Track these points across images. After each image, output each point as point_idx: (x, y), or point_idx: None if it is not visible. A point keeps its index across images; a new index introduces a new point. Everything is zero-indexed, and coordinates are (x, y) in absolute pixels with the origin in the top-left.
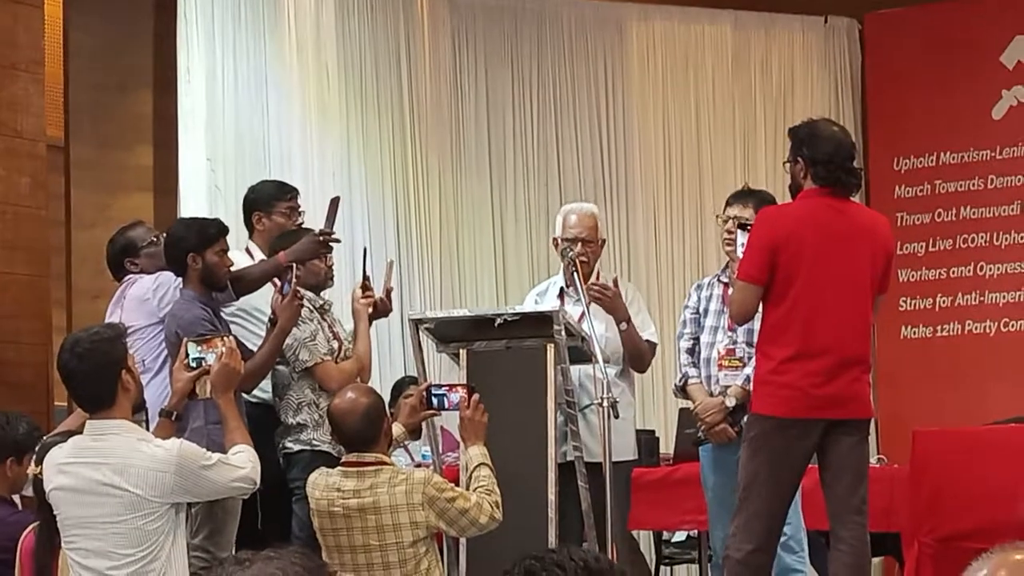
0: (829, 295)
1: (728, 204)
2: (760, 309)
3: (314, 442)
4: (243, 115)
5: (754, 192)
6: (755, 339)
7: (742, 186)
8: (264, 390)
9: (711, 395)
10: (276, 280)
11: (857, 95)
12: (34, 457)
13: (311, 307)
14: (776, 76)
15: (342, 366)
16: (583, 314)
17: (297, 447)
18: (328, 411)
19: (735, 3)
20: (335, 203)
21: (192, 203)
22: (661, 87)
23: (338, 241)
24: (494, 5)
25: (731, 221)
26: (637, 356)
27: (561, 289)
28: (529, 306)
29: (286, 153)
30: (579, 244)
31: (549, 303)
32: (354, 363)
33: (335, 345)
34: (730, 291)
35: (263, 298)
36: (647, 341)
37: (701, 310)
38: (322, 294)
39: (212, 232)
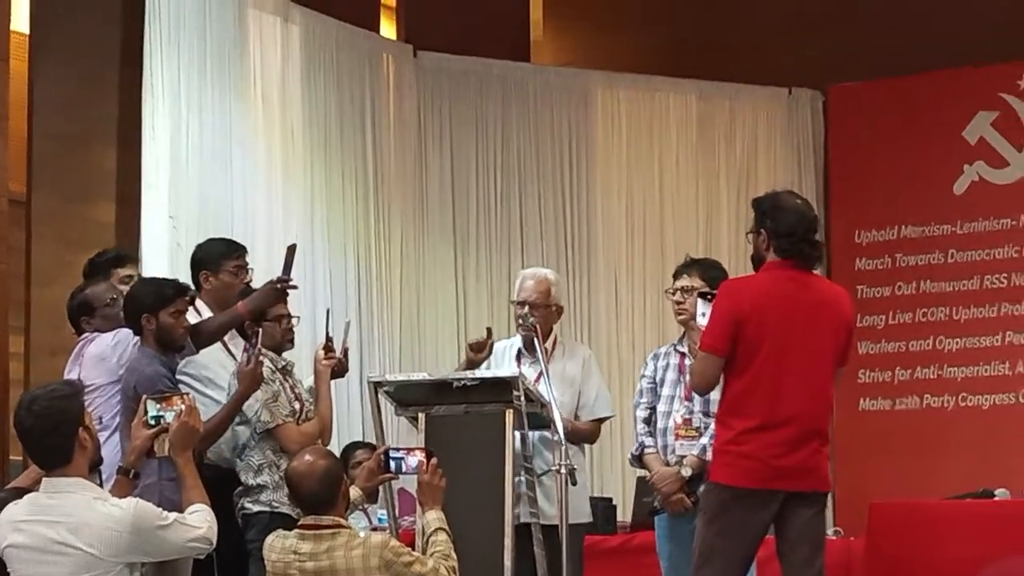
0: (792, 367)
1: (675, 276)
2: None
3: (273, 503)
4: (207, 173)
5: (696, 262)
6: (711, 409)
7: (685, 258)
8: (212, 451)
9: (667, 465)
10: (232, 339)
11: (820, 167)
12: None
13: (273, 368)
14: (739, 146)
15: (303, 428)
16: (539, 376)
17: (256, 508)
18: (286, 473)
19: (700, 73)
20: (292, 250)
21: (154, 261)
22: (625, 154)
23: (295, 287)
24: (460, 69)
25: (678, 293)
26: (583, 440)
27: (519, 352)
28: (488, 367)
29: (250, 212)
30: (526, 307)
31: (507, 365)
32: (315, 424)
33: (297, 406)
34: (687, 361)
35: (213, 361)
36: (596, 419)
37: (657, 380)
38: (284, 355)
39: (168, 293)
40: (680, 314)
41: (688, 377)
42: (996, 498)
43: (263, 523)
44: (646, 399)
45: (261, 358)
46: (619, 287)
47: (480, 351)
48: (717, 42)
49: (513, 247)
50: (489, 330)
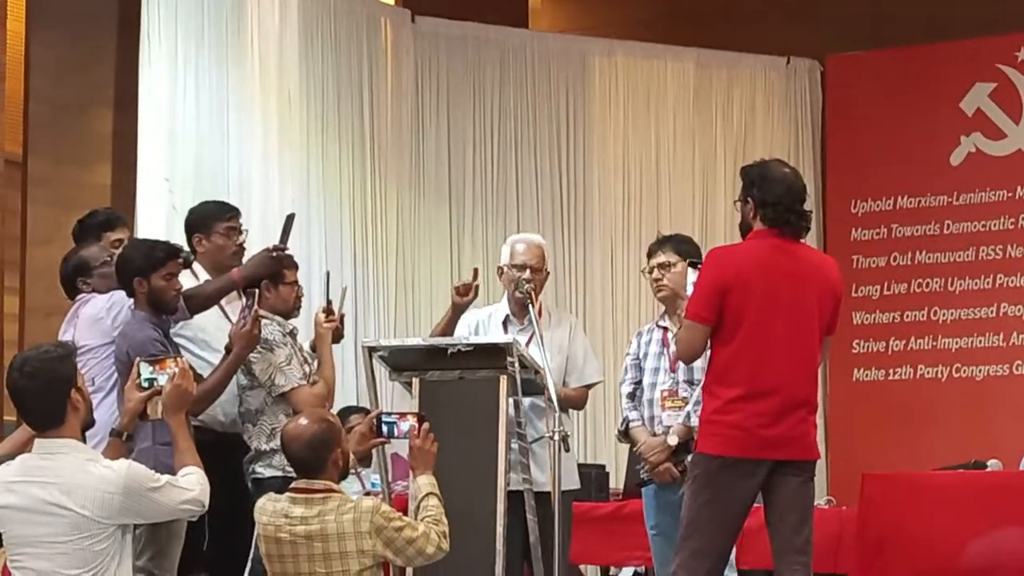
0: (777, 336)
1: (651, 255)
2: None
3: (286, 468)
4: (203, 137)
5: (669, 238)
6: (695, 377)
7: (657, 236)
8: (207, 415)
9: (655, 435)
10: (229, 302)
11: (817, 136)
12: None
13: (283, 331)
14: (737, 115)
15: (315, 390)
16: (530, 339)
17: (269, 473)
18: (280, 434)
19: (698, 41)
20: (290, 219)
21: (149, 224)
22: (622, 122)
23: (289, 256)
24: (458, 35)
25: (656, 270)
26: (573, 406)
27: (506, 317)
28: (474, 333)
29: (245, 176)
30: (527, 271)
31: (492, 332)
32: (323, 386)
33: (307, 369)
34: (669, 335)
35: (209, 324)
36: (585, 385)
37: (641, 355)
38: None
39: (159, 256)
40: (660, 291)
41: (672, 349)
42: (988, 469)
43: (275, 487)
44: (630, 375)
45: (265, 321)
46: (614, 254)
47: (466, 294)
48: (716, 10)
49: (509, 213)
50: (476, 271)
